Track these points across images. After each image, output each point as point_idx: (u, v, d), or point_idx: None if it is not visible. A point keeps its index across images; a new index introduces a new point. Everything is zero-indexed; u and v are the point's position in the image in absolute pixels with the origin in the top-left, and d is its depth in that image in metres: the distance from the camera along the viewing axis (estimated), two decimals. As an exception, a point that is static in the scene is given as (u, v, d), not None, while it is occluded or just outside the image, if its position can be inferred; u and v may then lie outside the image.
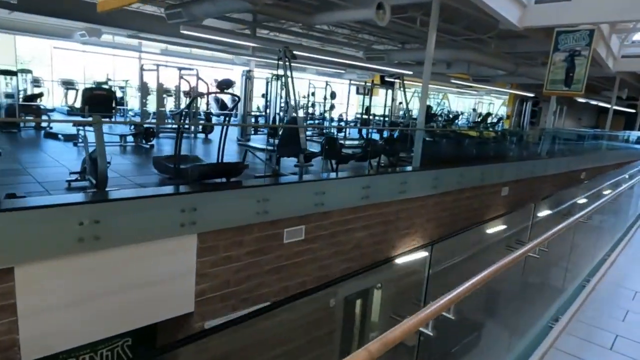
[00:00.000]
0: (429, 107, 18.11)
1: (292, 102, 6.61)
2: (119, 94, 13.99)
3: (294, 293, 5.96)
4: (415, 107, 19.23)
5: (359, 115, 16.72)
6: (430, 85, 20.92)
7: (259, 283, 5.66)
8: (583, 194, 5.94)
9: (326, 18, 7.98)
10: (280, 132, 6.69)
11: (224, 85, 10.78)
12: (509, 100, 21.80)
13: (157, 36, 10.74)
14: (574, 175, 14.68)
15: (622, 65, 15.68)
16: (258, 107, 11.19)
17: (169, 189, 4.84)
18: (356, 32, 13.24)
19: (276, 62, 6.67)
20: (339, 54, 14.23)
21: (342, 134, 14.52)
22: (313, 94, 17.02)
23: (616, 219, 6.43)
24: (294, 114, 6.40)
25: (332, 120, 16.31)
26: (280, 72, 6.54)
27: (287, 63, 6.41)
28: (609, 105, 18.73)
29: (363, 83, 15.31)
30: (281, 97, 9.33)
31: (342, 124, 15.50)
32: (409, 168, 8.32)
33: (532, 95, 19.19)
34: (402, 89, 10.78)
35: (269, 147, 7.05)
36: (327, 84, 15.74)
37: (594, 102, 26.48)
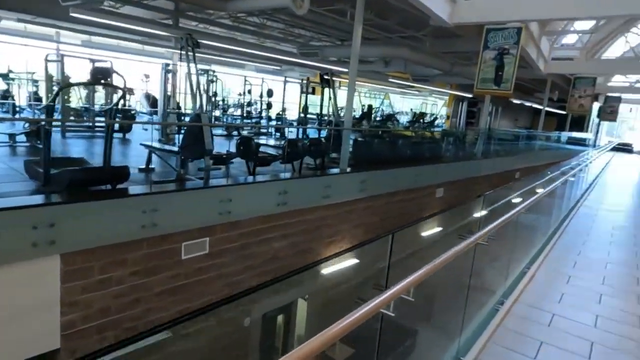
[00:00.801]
0: (370, 107, 17.83)
1: (200, 97, 5.81)
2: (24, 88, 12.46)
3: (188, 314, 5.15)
4: (357, 106, 18.96)
5: (303, 115, 16.13)
6: (370, 85, 20.76)
7: (149, 308, 4.84)
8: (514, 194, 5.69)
9: (241, 4, 7.26)
10: (184, 132, 5.89)
11: (99, 74, 9.62)
12: (449, 100, 22.08)
13: (53, 21, 9.51)
14: (509, 175, 14.85)
15: (552, 67, 16.13)
16: (178, 104, 10.28)
17: (16, 201, 3.92)
18: (290, 27, 12.59)
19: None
20: (273, 50, 13.53)
21: (277, 134, 13.83)
22: (249, 91, 16.19)
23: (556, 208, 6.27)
24: (199, 111, 5.64)
25: (269, 119, 15.56)
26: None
27: (191, 53, 5.62)
28: (542, 107, 19.32)
29: (299, 81, 14.68)
30: (202, 93, 8.44)
31: (264, 122, 14.74)
32: (337, 170, 7.77)
33: (469, 95, 19.43)
34: (331, 86, 10.24)
35: (174, 149, 6.21)
36: (263, 81, 14.98)
37: (528, 104, 27.57)
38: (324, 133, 11.10)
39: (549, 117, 27.39)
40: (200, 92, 5.76)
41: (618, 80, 27.27)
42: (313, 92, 14.61)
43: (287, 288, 7.45)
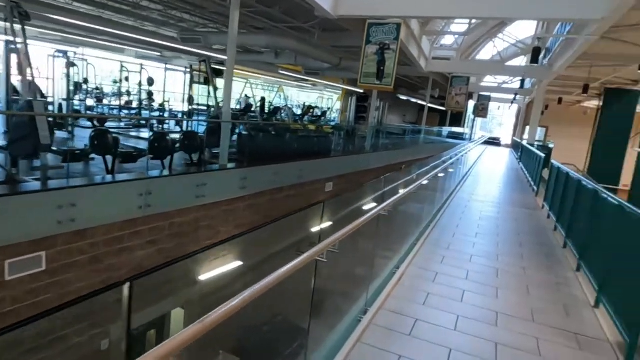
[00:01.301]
0: (262, 99, 17.30)
1: (30, 81, 4.78)
2: None
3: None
4: (248, 97, 18.29)
5: (203, 107, 15.00)
6: (265, 77, 20.23)
7: (-45, 346, 3.82)
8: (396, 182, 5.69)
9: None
10: (12, 124, 4.80)
11: None
12: (342, 95, 22.49)
13: None
14: (395, 168, 15.50)
15: (433, 66, 17.17)
16: (15, 89, 8.62)
17: None
18: (170, 9, 11.48)
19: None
20: (152, 34, 12.28)
21: (161, 127, 12.64)
22: (127, 79, 14.61)
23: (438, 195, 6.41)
24: (31, 97, 4.64)
25: (152, 110, 14.18)
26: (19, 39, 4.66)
27: (18, 26, 4.59)
28: (425, 103, 20.58)
29: (183, 69, 13.59)
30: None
31: (146, 114, 13.46)
32: (216, 167, 7.17)
33: (361, 91, 19.94)
34: (210, 75, 9.53)
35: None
36: (142, 68, 13.57)
37: (414, 100, 29.38)
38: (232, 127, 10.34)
39: (432, 113, 29.52)
40: (33, 73, 4.73)
41: (488, 80, 30.37)
42: (206, 82, 13.64)
43: (159, 299, 6.70)
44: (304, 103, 20.39)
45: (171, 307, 7.06)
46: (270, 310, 7.97)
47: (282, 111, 14.04)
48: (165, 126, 12.70)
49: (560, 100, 22.48)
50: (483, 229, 6.18)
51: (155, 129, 10.60)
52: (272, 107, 15.28)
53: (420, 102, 27.59)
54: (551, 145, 26.34)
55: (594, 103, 23.08)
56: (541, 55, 17.47)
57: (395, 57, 8.59)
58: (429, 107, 27.43)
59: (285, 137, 9.90)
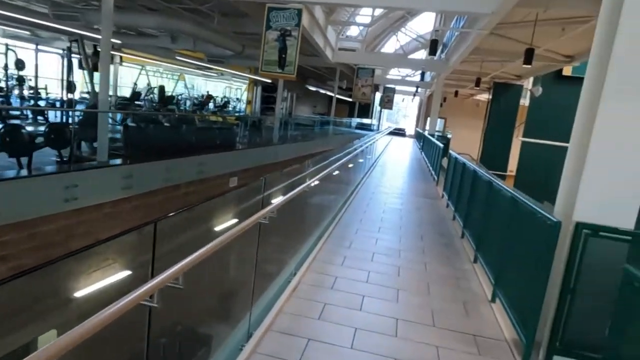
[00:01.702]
0: (161, 88, 15.92)
1: None
2: None
3: None
4: (141, 86, 16.73)
5: (86, 95, 13.18)
6: (161, 63, 18.67)
7: None
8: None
9: None
10: None
11: None
12: (249, 85, 21.71)
13: None
14: (305, 159, 15.23)
15: (339, 56, 17.16)
16: None
17: None
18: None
19: None
20: (18, 9, 10.46)
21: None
22: (-11, 61, 12.39)
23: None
24: None
25: (22, 99, 12.20)
26: None
27: None
28: (336, 95, 20.60)
29: (61, 51, 11.88)
30: None
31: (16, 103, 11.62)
32: (94, 164, 6.19)
33: (268, 81, 19.35)
34: (85, 57, 8.34)
35: None
36: (7, 49, 11.58)
37: (323, 91, 29.49)
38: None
39: (341, 105, 29.91)
40: None
41: (393, 73, 31.57)
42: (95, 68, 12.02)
43: (21, 325, 5.62)
44: (207, 92, 19.21)
45: (39, 332, 5.99)
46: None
47: (180, 100, 12.95)
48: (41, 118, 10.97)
49: (456, 93, 24.00)
50: (386, 223, 6.07)
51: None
52: (167, 96, 14.05)
53: (329, 93, 27.73)
54: (449, 136, 28.20)
55: (485, 96, 25.03)
56: (439, 50, 18.38)
57: (297, 45, 8.19)
58: (338, 99, 27.67)
59: (181, 129, 9.04)
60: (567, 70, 17.20)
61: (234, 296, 3.08)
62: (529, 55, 9.01)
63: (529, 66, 10.39)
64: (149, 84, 15.40)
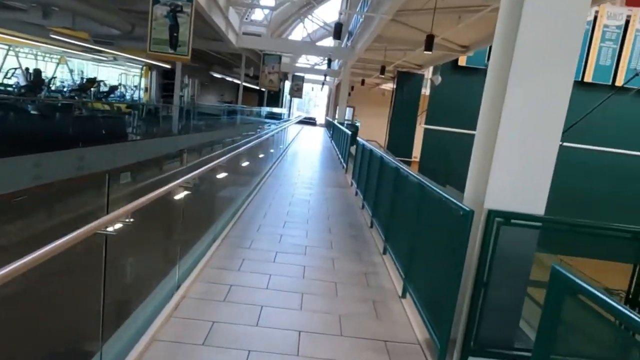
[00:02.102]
0: (37, 71, 13.73)
1: None
2: None
3: None
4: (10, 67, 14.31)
5: None
6: (30, 42, 16.17)
7: None
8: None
9: None
10: None
11: None
12: (146, 70, 19.87)
13: None
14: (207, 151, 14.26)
15: (244, 41, 16.31)
16: None
17: None
18: None
19: None
20: None
21: None
22: None
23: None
24: None
25: None
26: None
27: None
28: (242, 83, 19.66)
29: None
30: None
31: None
32: None
33: (167, 66, 17.81)
34: None
35: None
36: None
37: (230, 79, 28.26)
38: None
39: (251, 93, 28.96)
40: None
41: (302, 62, 31.33)
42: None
43: None
44: (89, 77, 17.08)
45: None
46: None
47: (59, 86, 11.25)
48: None
49: (363, 82, 24.41)
50: (293, 216, 5.63)
51: None
52: (30, 81, 12.11)
53: (236, 80, 26.59)
54: (358, 124, 28.78)
55: (389, 85, 25.85)
56: (345, 38, 18.40)
57: (190, 23, 7.34)
58: (246, 87, 26.66)
59: (54, 118, 7.70)
60: (462, 61, 18.24)
61: (70, 331, 2.40)
62: (429, 42, 9.14)
63: (430, 53, 10.62)
64: (37, 70, 13.14)
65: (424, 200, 3.25)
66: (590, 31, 16.48)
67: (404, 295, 3.44)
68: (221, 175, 4.99)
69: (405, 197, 4.02)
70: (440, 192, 2.86)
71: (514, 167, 2.47)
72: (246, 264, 3.72)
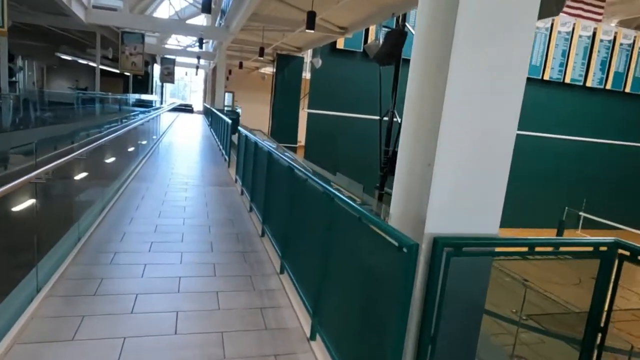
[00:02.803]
0: None
1: None
2: None
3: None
4: None
5: None
6: None
7: None
8: None
9: None
10: None
11: None
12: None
13: None
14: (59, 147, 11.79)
15: (96, 17, 13.78)
16: None
17: None
18: None
19: None
20: None
21: None
22: None
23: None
24: None
25: None
26: None
27: None
28: (102, 66, 16.82)
29: None
30: None
31: None
32: None
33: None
34: None
35: None
36: None
37: (84, 62, 24.43)
38: None
39: (114, 79, 25.40)
40: None
41: (172, 43, 28.50)
42: None
43: None
44: None
45: None
46: None
47: None
48: None
49: (241, 65, 23.05)
50: (163, 233, 4.45)
51: None
52: None
53: (92, 64, 23.02)
54: (239, 110, 27.36)
55: (269, 69, 24.86)
56: (218, 17, 16.86)
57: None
58: (108, 71, 23.30)
59: None
60: (341, 43, 18.11)
61: None
62: (311, 20, 8.41)
63: (312, 31, 9.95)
64: None
65: (336, 216, 2.45)
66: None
67: (313, 337, 2.64)
68: (61, 183, 3.64)
69: (306, 206, 3.19)
70: (364, 211, 2.07)
71: (463, 173, 1.78)
72: (85, 327, 2.53)
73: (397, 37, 9.99)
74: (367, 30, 17.69)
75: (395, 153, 11.52)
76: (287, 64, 20.17)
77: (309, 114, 19.23)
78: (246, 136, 6.63)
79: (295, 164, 3.49)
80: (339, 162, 17.07)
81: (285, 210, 3.69)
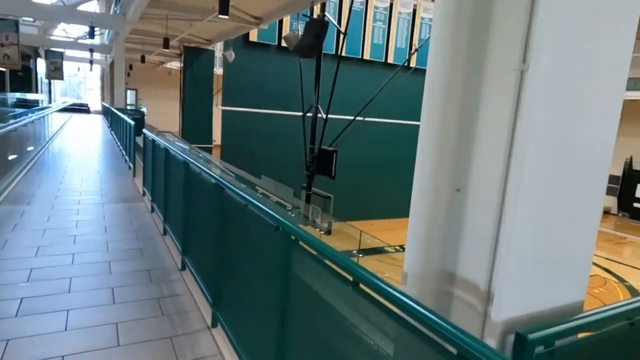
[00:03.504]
0: None
1: None
2: None
3: None
4: None
5: None
6: None
7: None
8: None
9: None
10: None
11: None
12: None
13: None
14: None
15: (-50, -2, 11.20)
16: None
17: None
18: None
19: None
20: None
21: None
22: None
23: None
24: None
25: None
26: None
27: None
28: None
29: None
30: None
31: None
32: None
33: None
34: None
35: None
36: None
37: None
38: None
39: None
40: None
41: (60, 34, 25.00)
42: None
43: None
44: None
45: None
46: None
47: None
48: None
49: (143, 59, 20.86)
50: (43, 272, 3.25)
51: None
52: None
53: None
54: (144, 109, 24.94)
55: (176, 64, 22.85)
56: (113, 3, 14.83)
57: None
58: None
59: None
60: (254, 36, 17.07)
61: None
62: (224, 4, 7.35)
63: (224, 21, 8.89)
64: None
65: (268, 238, 1.62)
66: (364, 11, 17.41)
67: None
68: None
69: (248, 242, 2.32)
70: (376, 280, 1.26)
71: (546, 219, 1.06)
72: None
73: (319, 28, 9.35)
74: (281, 22, 16.88)
75: (322, 151, 10.91)
76: (196, 57, 18.57)
77: (223, 111, 17.93)
78: (153, 140, 5.46)
79: (222, 179, 2.57)
80: (259, 162, 16.11)
81: (212, 233, 2.77)
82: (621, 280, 13.42)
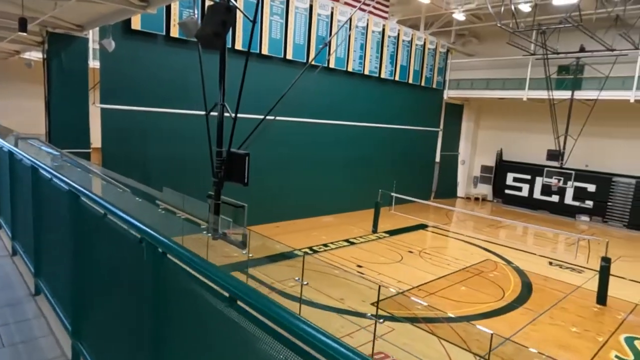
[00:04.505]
0: None
1: None
2: None
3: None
4: None
5: None
6: None
7: None
8: None
9: None
10: None
11: None
12: None
13: None
14: None
15: None
16: None
17: None
18: None
19: None
20: None
21: None
22: None
23: None
24: None
25: None
26: None
27: None
28: None
29: None
30: None
31: None
32: None
33: None
34: None
35: None
36: None
37: None
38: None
39: None
40: None
41: None
42: None
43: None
44: None
45: None
46: None
47: None
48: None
49: (-8, 47, 17.12)
50: None
51: None
52: None
53: None
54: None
55: (38, 55, 19.23)
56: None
57: None
58: None
59: None
60: (137, 23, 15.04)
61: None
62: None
63: (102, 3, 7.24)
64: None
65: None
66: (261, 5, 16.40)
67: None
68: None
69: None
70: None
71: None
72: None
73: (224, 13, 8.16)
74: (168, 8, 15.06)
75: (231, 154, 9.70)
76: (64, 46, 15.72)
77: (103, 110, 15.53)
78: (10, 151, 3.85)
79: (75, 187, 1.54)
80: (152, 168, 14.19)
81: (68, 250, 1.77)
82: (508, 262, 14.64)
